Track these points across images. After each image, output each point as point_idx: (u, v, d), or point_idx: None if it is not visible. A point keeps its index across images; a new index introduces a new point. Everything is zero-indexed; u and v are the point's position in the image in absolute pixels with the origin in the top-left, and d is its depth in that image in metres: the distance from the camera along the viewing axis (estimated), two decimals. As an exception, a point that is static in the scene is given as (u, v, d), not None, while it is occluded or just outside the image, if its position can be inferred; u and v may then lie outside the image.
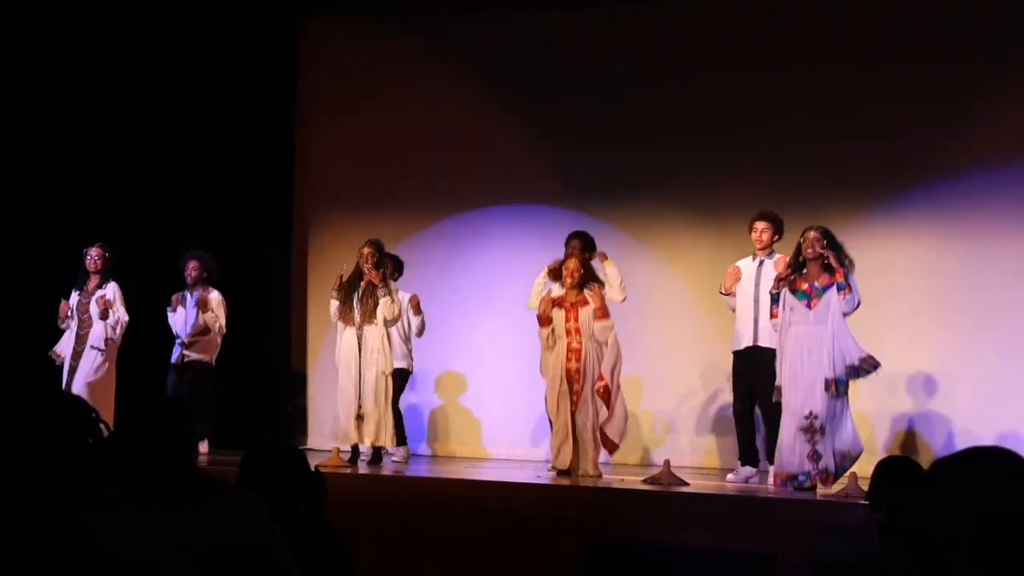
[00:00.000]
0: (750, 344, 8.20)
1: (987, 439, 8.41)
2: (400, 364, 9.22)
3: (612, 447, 8.21)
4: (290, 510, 3.41)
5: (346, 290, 8.81)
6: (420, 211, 10.38)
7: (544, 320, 8.23)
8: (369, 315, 8.71)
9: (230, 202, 10.63)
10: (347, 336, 8.78)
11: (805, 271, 7.64)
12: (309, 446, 10.20)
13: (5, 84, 10.25)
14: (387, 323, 8.77)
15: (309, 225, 10.97)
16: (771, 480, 7.96)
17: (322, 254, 10.72)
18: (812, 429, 7.38)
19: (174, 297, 9.36)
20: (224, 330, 9.38)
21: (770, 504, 7.32)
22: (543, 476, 8.12)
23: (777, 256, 8.14)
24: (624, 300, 8.47)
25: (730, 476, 8.28)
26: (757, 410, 8.29)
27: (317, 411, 10.53)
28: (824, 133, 9.37)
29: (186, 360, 9.31)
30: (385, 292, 8.72)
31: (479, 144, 10.39)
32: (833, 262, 7.49)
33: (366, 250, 8.81)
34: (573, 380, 8.11)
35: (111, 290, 9.08)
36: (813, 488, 7.42)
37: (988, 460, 2.14)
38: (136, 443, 2.87)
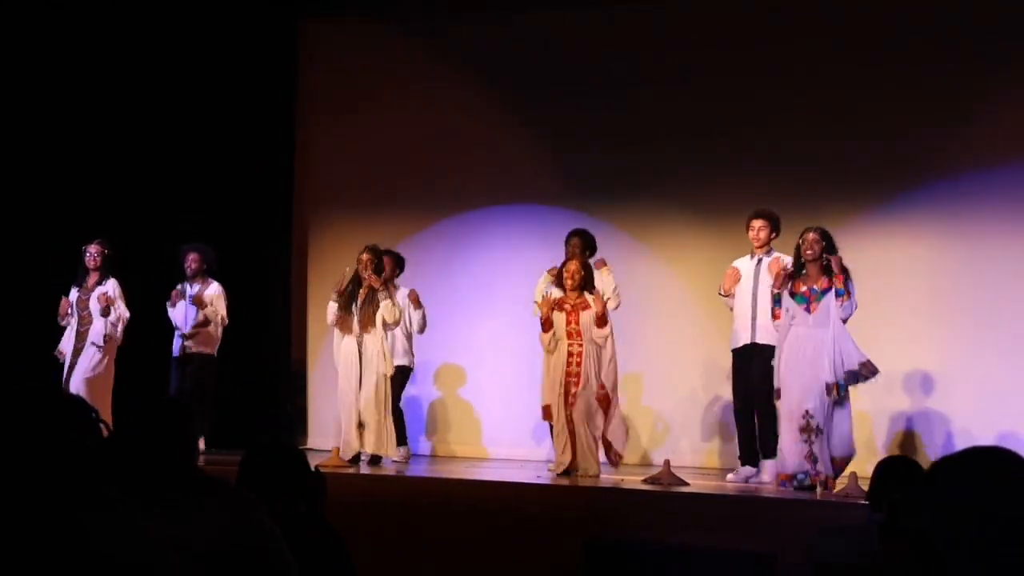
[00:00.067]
0: (748, 342, 8.21)
1: (987, 439, 8.41)
2: (402, 361, 9.22)
3: (616, 458, 8.18)
4: (290, 510, 3.41)
5: (346, 297, 8.78)
6: (420, 211, 10.38)
7: (546, 325, 8.23)
8: (368, 322, 8.68)
9: (230, 202, 10.64)
10: (346, 343, 8.75)
11: (804, 272, 7.64)
12: (309, 446, 10.20)
13: (6, 83, 10.25)
14: (388, 326, 8.76)
15: (309, 225, 10.97)
16: (765, 476, 7.98)
17: (322, 254, 10.73)
18: (809, 428, 7.39)
19: (174, 293, 9.35)
20: (226, 321, 9.38)
21: (770, 504, 7.32)
22: (543, 476, 8.12)
23: (775, 254, 8.15)
24: (616, 307, 8.50)
25: (730, 476, 8.28)
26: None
27: (317, 411, 10.54)
28: (824, 133, 9.38)
29: (187, 352, 9.31)
30: (386, 295, 8.71)
31: (479, 144, 10.40)
32: (835, 267, 7.49)
33: (364, 256, 8.79)
34: (571, 383, 8.12)
35: (111, 286, 9.08)
36: (813, 487, 7.43)
37: (988, 460, 2.14)
38: (136, 443, 2.87)
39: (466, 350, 10.28)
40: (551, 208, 9.96)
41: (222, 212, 10.55)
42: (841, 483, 7.30)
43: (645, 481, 7.81)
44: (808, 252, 7.60)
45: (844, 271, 7.49)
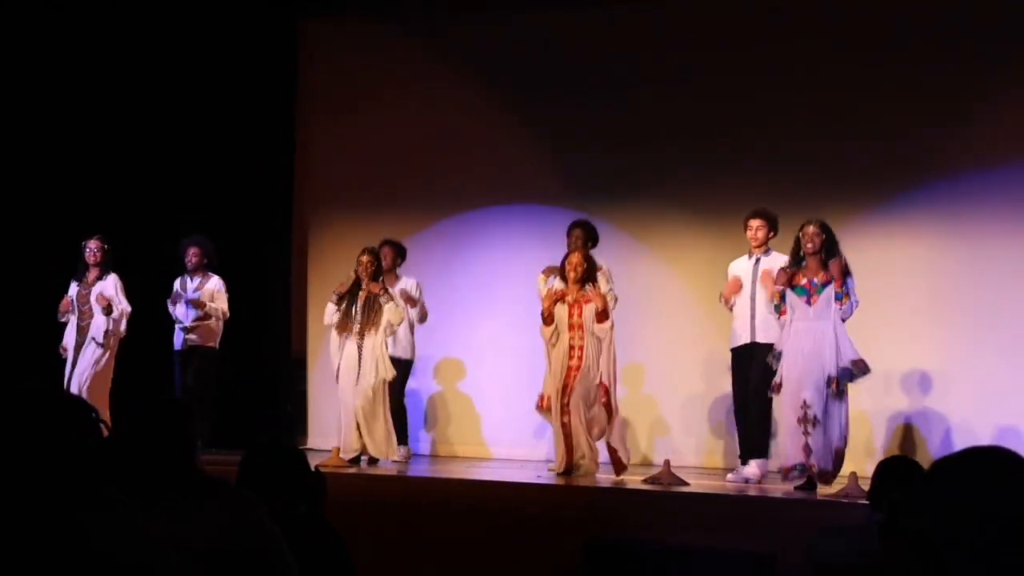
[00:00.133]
0: (747, 341, 8.21)
1: (987, 438, 8.41)
2: (404, 355, 9.20)
3: (620, 467, 8.15)
4: (290, 510, 3.41)
5: (346, 300, 8.77)
6: (420, 211, 10.38)
7: (548, 318, 8.21)
8: (369, 324, 8.67)
9: (230, 201, 10.64)
10: (347, 346, 8.74)
11: (804, 265, 7.65)
12: (309, 446, 10.20)
13: (7, 82, 10.25)
14: (392, 327, 8.76)
15: (309, 225, 10.97)
16: (748, 471, 7.97)
17: (322, 254, 10.73)
18: (806, 419, 7.41)
19: (174, 294, 9.33)
20: (227, 315, 9.38)
21: (770, 504, 7.32)
22: (543, 476, 8.11)
23: (773, 253, 8.15)
24: (612, 308, 8.51)
25: (730, 476, 8.28)
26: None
27: (317, 411, 10.53)
28: (824, 133, 9.38)
29: (189, 346, 9.31)
30: (387, 299, 8.69)
31: (479, 144, 10.40)
32: (833, 271, 7.49)
33: (364, 258, 8.77)
34: (572, 376, 8.10)
35: (111, 282, 9.09)
36: (813, 486, 7.44)
37: (988, 460, 2.14)
38: (136, 443, 2.87)
39: (466, 350, 10.28)
40: (551, 208, 9.96)
41: (222, 211, 10.54)
42: (841, 483, 7.30)
43: (645, 481, 7.81)
44: (808, 245, 7.61)
45: (843, 275, 7.49)
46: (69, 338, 9.13)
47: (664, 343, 9.74)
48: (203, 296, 9.30)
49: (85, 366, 9.01)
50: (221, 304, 9.34)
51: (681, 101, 9.81)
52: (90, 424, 2.28)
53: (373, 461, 8.75)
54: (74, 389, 8.86)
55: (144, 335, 9.40)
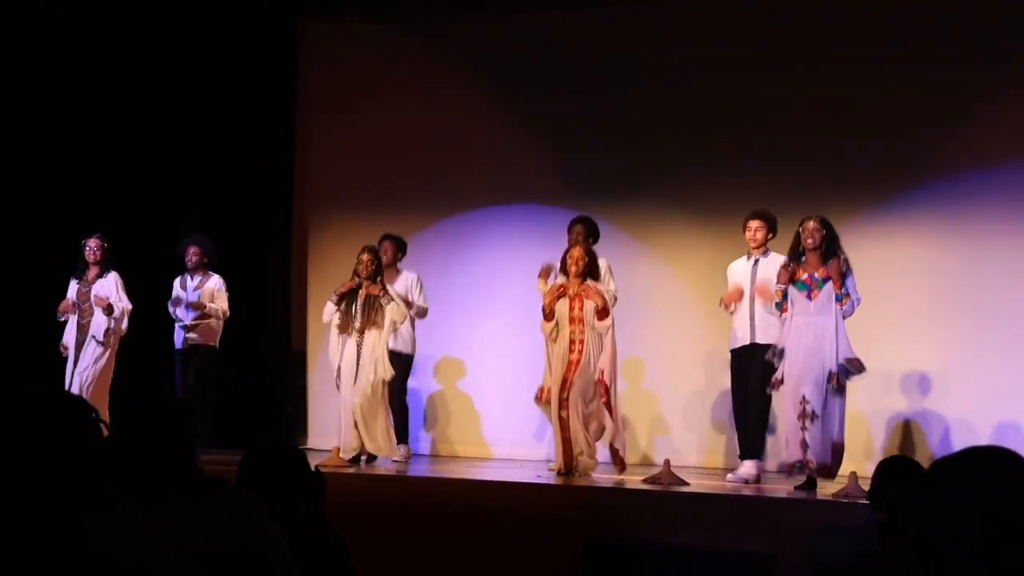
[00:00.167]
0: (748, 342, 8.21)
1: (987, 438, 8.41)
2: (405, 349, 9.18)
3: (622, 466, 8.16)
4: (290, 510, 3.41)
5: (346, 299, 8.76)
6: (420, 211, 10.38)
7: (548, 314, 8.20)
8: (369, 323, 8.66)
9: (230, 201, 10.64)
10: (347, 345, 8.73)
11: (804, 259, 7.65)
12: (309, 446, 10.20)
13: (7, 82, 10.25)
14: (396, 325, 8.76)
15: (309, 225, 10.97)
16: (751, 471, 7.97)
17: (322, 254, 10.73)
18: (804, 415, 7.42)
19: (174, 296, 9.32)
20: (227, 314, 9.38)
21: (770, 504, 7.33)
22: (543, 476, 8.11)
23: (771, 254, 8.15)
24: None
25: (730, 476, 8.28)
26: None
27: (317, 411, 10.53)
28: (824, 133, 9.38)
29: (190, 344, 9.30)
30: (388, 299, 8.67)
31: (479, 144, 10.40)
32: (831, 273, 7.49)
33: (365, 256, 8.75)
34: (571, 370, 8.08)
35: (111, 280, 9.09)
36: (813, 485, 7.44)
37: (988, 460, 2.14)
38: (136, 443, 2.87)
39: (466, 350, 10.28)
40: (551, 208, 9.95)
41: (222, 211, 10.54)
42: (841, 483, 7.30)
43: (645, 481, 7.80)
44: (808, 241, 7.61)
45: (842, 275, 7.49)
46: (69, 336, 9.14)
47: (664, 343, 9.73)
48: (203, 295, 9.30)
49: (86, 365, 9.02)
50: (221, 304, 9.34)
51: (681, 101, 9.81)
52: (90, 424, 2.28)
53: (371, 459, 8.75)
54: (76, 388, 8.87)
55: (144, 334, 9.40)
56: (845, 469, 7.48)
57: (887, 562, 3.18)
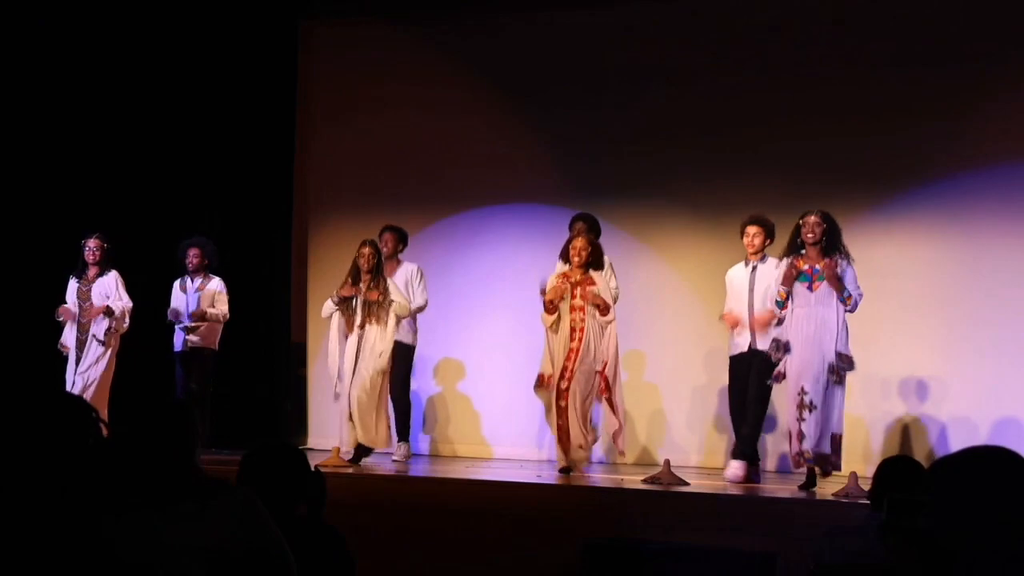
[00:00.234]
0: (745, 350, 8.21)
1: (987, 438, 8.41)
2: (406, 339, 9.16)
3: (620, 452, 8.28)
4: (290, 510, 3.41)
5: (347, 298, 8.73)
6: (420, 211, 10.37)
7: (550, 309, 8.17)
8: (371, 316, 8.65)
9: (230, 201, 10.64)
10: (348, 340, 8.71)
11: (804, 252, 7.65)
12: (309, 446, 10.20)
13: (8, 82, 10.25)
14: (400, 319, 8.76)
15: (309, 225, 10.98)
16: (737, 472, 7.96)
17: (322, 254, 10.72)
18: (803, 405, 7.43)
19: (172, 309, 9.29)
20: (228, 317, 9.37)
21: (770, 504, 7.32)
22: (543, 476, 8.12)
23: (769, 260, 8.16)
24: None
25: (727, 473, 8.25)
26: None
27: (317, 411, 10.53)
28: (824, 133, 9.37)
29: (190, 347, 9.29)
30: (389, 300, 8.64)
31: (479, 144, 10.40)
32: (827, 274, 7.49)
33: (366, 250, 8.72)
34: (571, 358, 8.06)
35: (111, 279, 9.08)
36: (812, 483, 7.45)
37: (988, 460, 2.14)
38: (136, 443, 2.86)
39: (466, 350, 10.28)
40: (551, 208, 9.95)
41: (222, 211, 10.55)
42: (841, 483, 7.31)
43: (645, 481, 7.80)
44: (809, 235, 7.61)
45: (838, 279, 7.49)
46: (70, 336, 9.13)
47: (664, 343, 9.73)
48: (203, 298, 9.29)
49: (89, 365, 9.01)
50: (221, 307, 9.33)
51: (682, 101, 9.81)
52: (90, 424, 2.28)
53: (366, 451, 8.70)
54: (78, 388, 8.87)
55: (144, 335, 9.39)
56: (845, 469, 7.48)
57: (889, 562, 3.18)
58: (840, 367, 7.45)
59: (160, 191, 10.48)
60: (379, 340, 8.61)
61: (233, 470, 3.50)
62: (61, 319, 9.16)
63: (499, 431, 10.06)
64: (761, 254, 8.25)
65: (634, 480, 7.90)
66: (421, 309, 9.36)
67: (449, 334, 10.13)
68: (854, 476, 7.16)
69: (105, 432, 2.31)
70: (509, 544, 6.49)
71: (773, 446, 9.22)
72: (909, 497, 3.15)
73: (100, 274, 9.12)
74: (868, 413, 9.05)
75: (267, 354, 10.74)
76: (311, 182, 10.97)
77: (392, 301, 8.65)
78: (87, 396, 8.57)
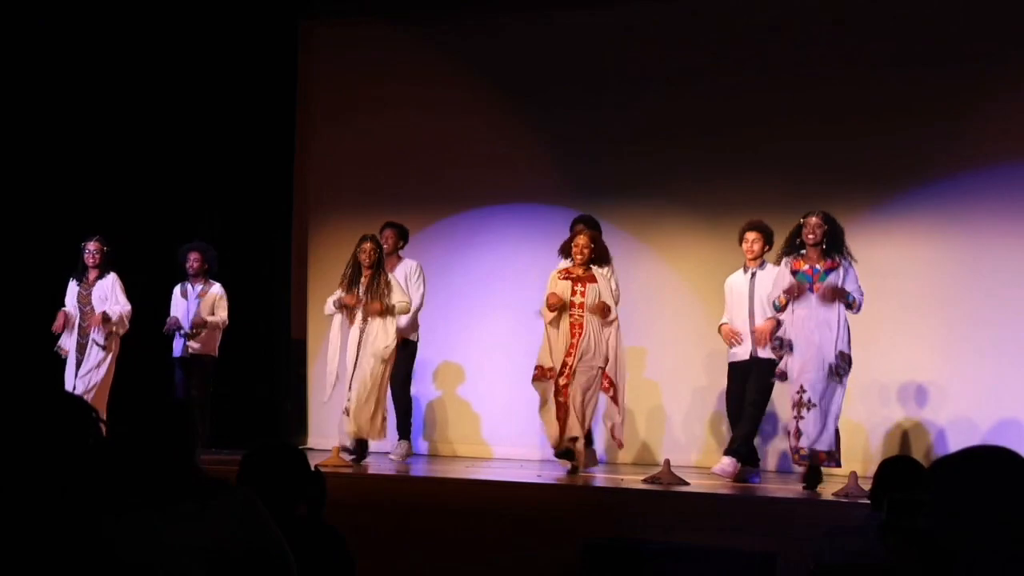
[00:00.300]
0: (746, 358, 8.20)
1: (987, 438, 8.41)
2: (407, 334, 9.15)
3: (619, 445, 8.28)
4: (290, 510, 3.41)
5: (347, 286, 8.72)
6: (420, 211, 10.37)
7: (552, 308, 8.16)
8: (372, 309, 8.63)
9: (230, 202, 10.64)
10: (351, 334, 8.71)
11: (804, 253, 7.65)
12: (309, 446, 10.20)
13: (8, 82, 10.25)
14: (402, 314, 8.77)
15: (309, 225, 10.98)
16: (728, 469, 7.94)
17: (322, 254, 10.72)
18: (801, 403, 7.43)
19: (170, 322, 9.27)
20: (227, 323, 9.37)
21: (770, 504, 7.32)
22: (543, 476, 8.12)
23: (768, 266, 8.15)
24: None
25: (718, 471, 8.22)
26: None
27: (317, 411, 10.53)
28: (824, 133, 9.37)
29: (190, 353, 9.28)
30: (389, 301, 8.63)
31: (479, 144, 10.40)
32: (829, 296, 7.50)
33: (367, 245, 8.68)
34: (571, 355, 8.06)
35: (109, 282, 9.07)
36: (815, 481, 7.45)
37: (988, 459, 2.14)
38: (136, 443, 2.86)
39: (466, 349, 10.28)
40: (551, 208, 9.95)
41: (222, 212, 10.55)
42: (841, 483, 7.31)
43: (645, 481, 7.80)
44: (810, 236, 7.61)
45: (842, 293, 7.49)
46: (69, 340, 9.12)
47: (664, 343, 9.73)
48: (204, 304, 9.27)
49: (89, 369, 8.99)
50: (221, 314, 9.32)
51: (682, 101, 9.81)
52: (90, 424, 2.28)
53: (361, 445, 8.69)
54: (78, 392, 8.83)
55: (144, 338, 9.37)
56: (845, 469, 7.49)
57: (890, 562, 3.18)
58: (841, 367, 7.46)
59: (160, 191, 10.48)
60: (381, 334, 8.60)
61: (233, 470, 3.50)
62: (58, 331, 9.09)
63: (499, 431, 10.06)
64: (760, 260, 8.25)
65: (634, 480, 7.90)
66: (417, 309, 9.35)
67: (449, 334, 10.12)
68: (854, 476, 7.16)
69: (104, 432, 2.31)
70: (509, 544, 6.49)
71: (773, 446, 9.22)
72: (909, 497, 3.16)
73: (100, 277, 9.11)
74: (868, 418, 9.05)
75: (267, 354, 10.74)
76: (311, 182, 10.97)
77: (393, 306, 8.63)
78: (87, 399, 8.56)
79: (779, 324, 7.70)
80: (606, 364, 8.04)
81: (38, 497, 2.18)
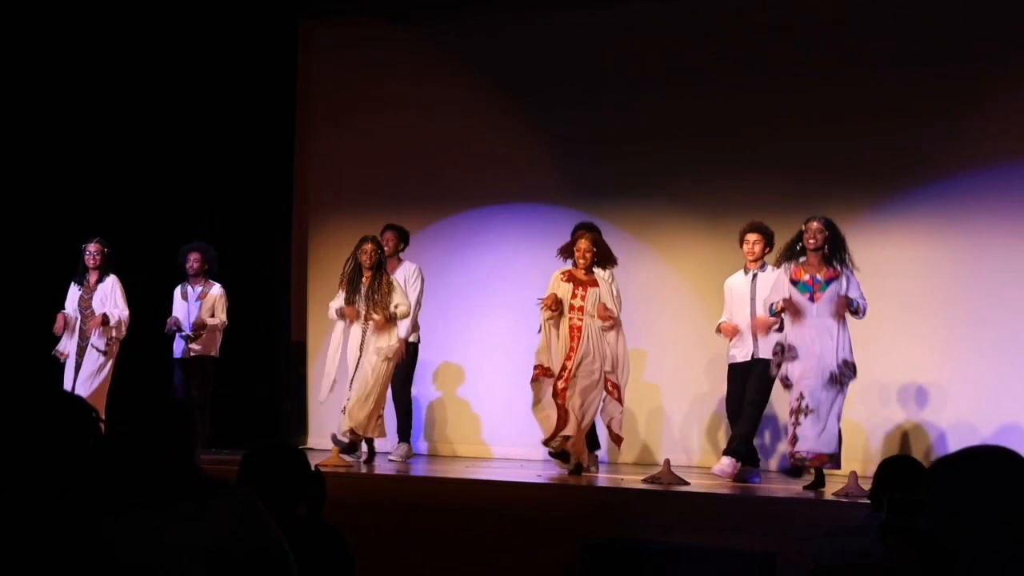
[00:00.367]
0: (748, 359, 8.19)
1: (987, 438, 8.41)
2: (410, 338, 9.14)
3: (618, 441, 8.26)
4: (290, 510, 3.41)
5: (347, 287, 8.72)
6: (420, 211, 10.37)
7: (548, 306, 8.15)
8: (373, 309, 8.64)
9: (230, 202, 10.64)
10: (352, 332, 8.71)
11: (804, 260, 7.65)
12: (309, 446, 10.20)
13: (8, 83, 10.25)
14: (404, 316, 8.77)
15: (309, 225, 10.98)
16: (727, 469, 7.94)
17: (322, 254, 10.72)
18: (799, 410, 7.43)
19: (171, 322, 9.26)
20: (227, 324, 9.37)
21: (770, 504, 7.32)
22: (543, 476, 8.12)
23: (768, 268, 8.15)
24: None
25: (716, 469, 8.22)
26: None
27: (317, 411, 10.53)
28: (824, 133, 9.37)
29: (191, 355, 9.28)
30: (392, 303, 8.63)
31: (479, 144, 10.40)
32: (838, 311, 7.51)
33: (368, 246, 8.67)
34: (570, 358, 8.05)
35: (109, 285, 9.06)
36: (820, 484, 7.46)
37: (988, 459, 2.14)
38: (136, 443, 2.86)
39: (466, 350, 10.28)
40: (551, 208, 9.96)
41: (222, 212, 10.55)
42: (841, 483, 7.31)
43: (645, 481, 7.80)
44: (811, 241, 7.60)
45: (848, 307, 7.48)
46: (69, 343, 9.10)
47: (664, 343, 9.73)
48: (205, 305, 9.27)
49: (90, 373, 8.98)
50: (221, 315, 9.31)
51: (682, 101, 9.81)
52: (90, 424, 2.28)
53: (369, 445, 8.69)
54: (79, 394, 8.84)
55: (144, 339, 9.37)
56: (845, 469, 7.49)
57: (890, 562, 3.18)
58: (843, 375, 7.45)
59: (160, 192, 10.47)
60: (384, 334, 8.60)
61: (233, 470, 3.50)
62: (58, 333, 9.09)
63: (499, 431, 10.06)
64: (761, 262, 8.24)
65: (634, 480, 7.90)
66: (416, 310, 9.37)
67: (449, 334, 10.12)
68: (854, 476, 7.16)
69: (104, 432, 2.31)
70: (509, 544, 6.49)
71: (773, 446, 9.22)
72: (909, 497, 3.16)
73: (100, 279, 9.10)
74: (868, 419, 9.05)
75: (267, 354, 10.74)
76: (311, 182, 10.97)
77: (395, 312, 8.62)
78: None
79: (780, 325, 7.69)
80: (612, 368, 8.02)
81: (38, 497, 2.17)
